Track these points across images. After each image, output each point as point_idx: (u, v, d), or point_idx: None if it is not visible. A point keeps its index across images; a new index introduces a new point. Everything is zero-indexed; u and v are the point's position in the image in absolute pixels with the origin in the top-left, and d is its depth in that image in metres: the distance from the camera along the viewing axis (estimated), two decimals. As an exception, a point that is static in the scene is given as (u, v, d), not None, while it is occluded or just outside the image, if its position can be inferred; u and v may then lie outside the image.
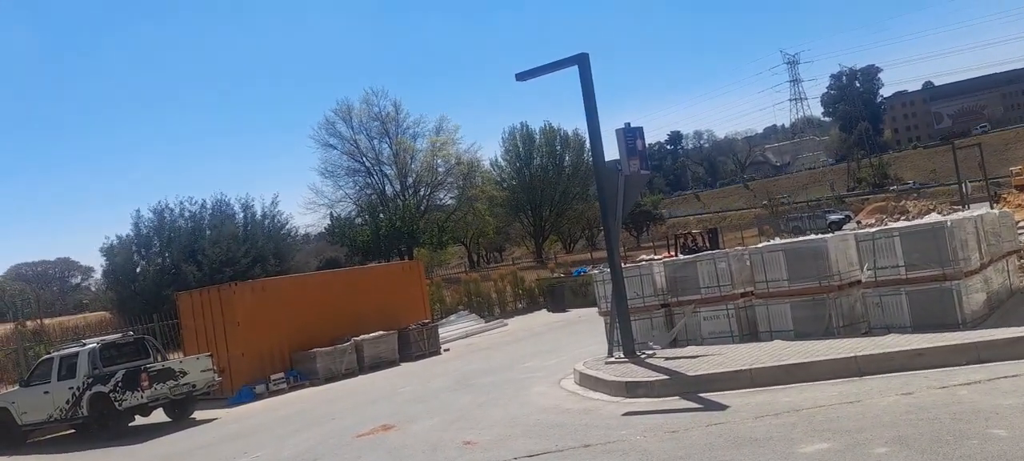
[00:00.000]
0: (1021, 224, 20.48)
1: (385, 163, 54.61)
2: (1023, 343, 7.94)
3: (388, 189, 55.05)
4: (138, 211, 36.97)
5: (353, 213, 52.98)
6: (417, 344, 20.59)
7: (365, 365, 19.15)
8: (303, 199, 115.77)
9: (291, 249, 40.80)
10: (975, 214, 11.94)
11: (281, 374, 18.24)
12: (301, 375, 18.53)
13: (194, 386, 15.23)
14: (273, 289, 20.08)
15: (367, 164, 54.43)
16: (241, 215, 39.10)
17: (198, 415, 15.80)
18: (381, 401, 13.54)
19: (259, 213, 39.42)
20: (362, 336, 19.48)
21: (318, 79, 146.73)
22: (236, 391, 17.56)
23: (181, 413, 15.63)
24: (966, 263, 9.77)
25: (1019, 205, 28.64)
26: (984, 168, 39.65)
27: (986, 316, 9.97)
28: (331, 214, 51.51)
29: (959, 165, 38.31)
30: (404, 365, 19.42)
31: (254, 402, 16.98)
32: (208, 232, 36.62)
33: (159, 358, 15.96)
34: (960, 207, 28.53)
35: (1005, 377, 7.07)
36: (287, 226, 41.47)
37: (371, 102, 53.60)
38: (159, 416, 15.69)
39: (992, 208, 22.64)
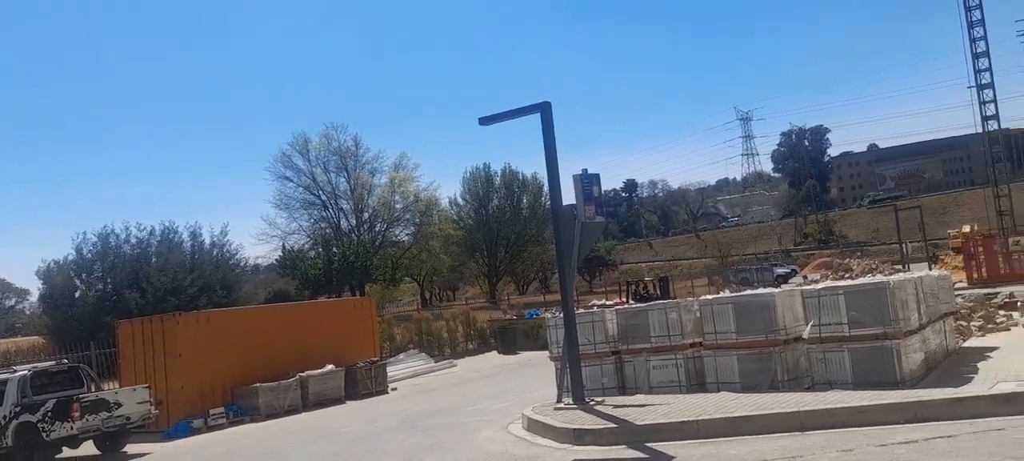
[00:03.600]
0: (958, 285, 21.26)
1: (342, 197, 54.28)
2: (959, 404, 8.16)
3: (343, 223, 54.59)
4: (84, 234, 35.86)
5: (306, 246, 52.29)
6: (364, 382, 20.23)
7: (309, 402, 18.72)
8: (255, 229, 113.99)
9: (239, 280, 39.95)
10: (916, 275, 12.35)
11: (221, 408, 17.69)
12: (242, 410, 18.00)
13: (128, 418, 14.65)
14: (218, 321, 19.57)
15: (323, 197, 53.98)
16: (189, 243, 38.23)
17: (130, 448, 15.19)
18: (324, 440, 13.22)
19: (208, 242, 38.63)
20: (308, 372, 19.07)
21: (278, 112, 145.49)
22: (173, 425, 16.96)
23: (113, 446, 15.01)
24: (906, 323, 10.07)
25: (956, 267, 29.76)
26: (924, 230, 41.13)
27: (923, 376, 10.26)
28: (284, 246, 50.74)
29: (900, 226, 39.68)
30: (350, 403, 19.04)
31: (191, 437, 16.42)
32: (154, 259, 35.64)
33: (93, 388, 15.34)
34: (901, 267, 29.48)
35: (941, 437, 7.25)
36: (236, 256, 40.71)
37: (330, 136, 53.41)
38: (89, 448, 15.03)
39: (931, 269, 23.48)
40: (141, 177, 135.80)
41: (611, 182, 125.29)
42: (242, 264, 42.71)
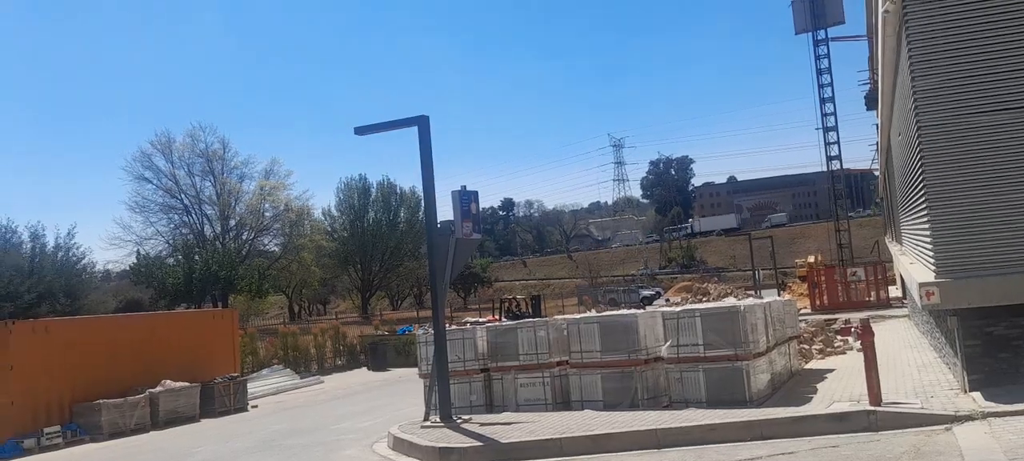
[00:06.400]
0: (802, 311, 22.93)
1: (206, 202, 51.63)
2: (800, 422, 8.76)
3: (207, 230, 51.88)
4: None
5: (164, 252, 49.22)
6: (222, 399, 19.19)
7: (160, 421, 17.52)
8: (107, 233, 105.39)
9: (86, 287, 37.13)
10: (765, 301, 13.18)
11: (57, 427, 16.22)
12: (82, 430, 16.58)
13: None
14: (58, 331, 17.94)
15: (186, 202, 51.12)
16: (29, 245, 35.09)
17: (-55, 473, 13.62)
18: (172, 462, 12.40)
19: (51, 244, 35.64)
20: (158, 388, 17.87)
21: (140, 107, 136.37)
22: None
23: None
24: (755, 345, 10.70)
25: (802, 294, 32.12)
26: (774, 259, 44.24)
27: (769, 395, 10.94)
28: (139, 251, 47.45)
29: (754, 254, 42.47)
30: (205, 421, 17.99)
31: (19, 459, 14.96)
32: (-14, 261, 32.45)
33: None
34: (753, 292, 31.46)
35: (783, 454, 7.74)
36: (83, 261, 37.80)
37: (196, 137, 50.78)
38: None
39: (779, 295, 25.21)
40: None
41: (489, 200, 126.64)
42: (90, 270, 39.77)
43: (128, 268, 48.44)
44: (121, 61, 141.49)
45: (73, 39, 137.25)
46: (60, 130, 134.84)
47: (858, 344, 13.94)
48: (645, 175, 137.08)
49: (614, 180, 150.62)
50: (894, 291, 28.92)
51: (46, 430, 15.96)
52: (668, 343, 10.98)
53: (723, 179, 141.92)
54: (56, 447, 15.72)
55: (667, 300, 39.35)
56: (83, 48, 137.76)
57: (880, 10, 10.57)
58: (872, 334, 9.38)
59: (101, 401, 16.74)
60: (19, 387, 16.12)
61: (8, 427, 15.73)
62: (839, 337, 17.72)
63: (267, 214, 52.60)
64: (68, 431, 16.34)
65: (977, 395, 8.72)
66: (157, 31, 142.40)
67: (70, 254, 36.26)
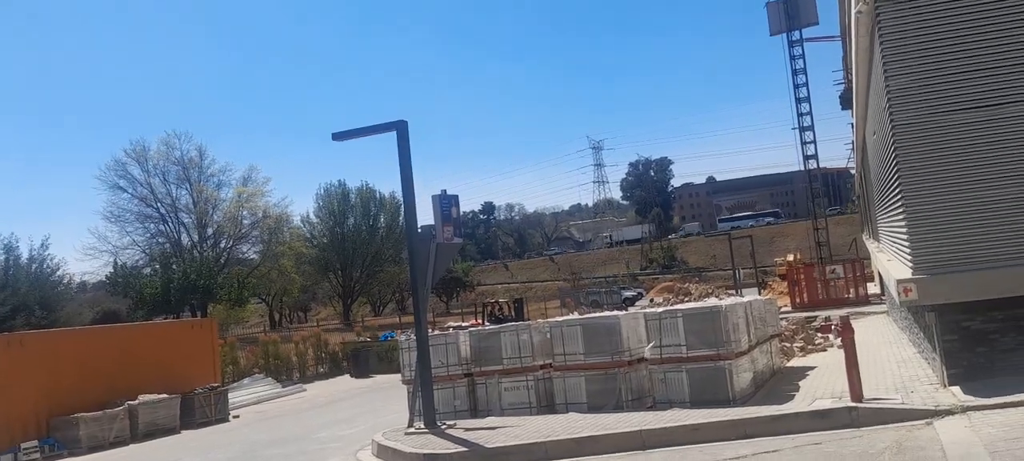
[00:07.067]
0: (783, 309, 23.13)
1: (183, 211, 51.04)
2: (783, 420, 8.83)
3: (184, 239, 51.30)
4: None
5: (141, 262, 48.59)
6: (203, 410, 19.00)
7: (139, 433, 17.31)
8: (82, 243, 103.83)
9: (62, 298, 36.61)
10: (746, 300, 13.27)
11: (35, 442, 15.97)
12: (60, 444, 16.33)
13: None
14: (33, 344, 17.70)
15: (162, 210, 50.52)
16: (2, 257, 34.54)
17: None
18: (154, 474, 12.23)
19: (25, 256, 35.12)
20: (138, 400, 17.65)
21: (112, 114, 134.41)
22: (-27, 462, 15.10)
23: None
24: (737, 345, 10.76)
25: (781, 292, 32.40)
26: (754, 258, 44.64)
27: (752, 394, 11.00)
28: (115, 262, 46.79)
29: (734, 254, 42.80)
30: (186, 433, 17.79)
31: (-5, 476, 14.69)
32: (-42, 274, 31.90)
33: None
34: (734, 292, 31.67)
35: (767, 452, 7.79)
36: (58, 272, 37.27)
37: (171, 144, 50.18)
38: None
39: (760, 294, 25.41)
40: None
41: (469, 203, 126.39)
42: (65, 281, 39.21)
43: (104, 279, 47.72)
44: (94, 68, 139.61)
45: (44, 44, 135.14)
46: (31, 139, 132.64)
47: (838, 341, 14.11)
48: (625, 176, 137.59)
49: (594, 182, 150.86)
50: (873, 288, 29.26)
51: (23, 445, 15.73)
52: (651, 344, 11.01)
53: (702, 179, 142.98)
54: (33, 462, 15.47)
55: (650, 300, 39.51)
56: (55, 54, 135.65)
57: (853, 11, 10.70)
58: (852, 331, 9.47)
59: (79, 414, 16.51)
60: (-6, 402, 15.84)
61: (-17, 443, 15.47)
62: (820, 334, 17.90)
63: (245, 221, 52.15)
64: (46, 446, 16.10)
65: (956, 389, 8.84)
66: (131, 37, 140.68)
67: (44, 265, 35.80)
